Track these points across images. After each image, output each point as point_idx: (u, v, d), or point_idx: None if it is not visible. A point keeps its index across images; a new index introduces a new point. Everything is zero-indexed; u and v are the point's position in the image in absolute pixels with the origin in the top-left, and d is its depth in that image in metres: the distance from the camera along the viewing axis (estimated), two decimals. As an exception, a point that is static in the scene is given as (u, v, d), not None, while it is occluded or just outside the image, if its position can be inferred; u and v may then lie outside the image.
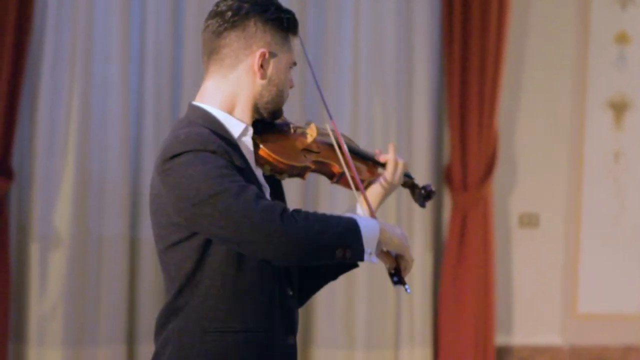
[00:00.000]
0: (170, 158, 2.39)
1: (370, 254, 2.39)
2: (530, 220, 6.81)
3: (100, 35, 6.03)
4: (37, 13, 5.95)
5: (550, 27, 6.79)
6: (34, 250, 5.98)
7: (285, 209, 2.34)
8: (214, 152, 2.40)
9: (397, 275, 2.46)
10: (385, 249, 2.45)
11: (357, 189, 2.66)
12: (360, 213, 2.76)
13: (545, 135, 6.80)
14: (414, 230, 6.39)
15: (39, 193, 5.97)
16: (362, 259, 2.38)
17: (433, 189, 2.98)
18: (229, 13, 2.50)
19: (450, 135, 6.50)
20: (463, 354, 6.46)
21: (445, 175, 6.50)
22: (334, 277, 2.75)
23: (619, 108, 6.85)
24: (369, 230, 2.39)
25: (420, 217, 6.38)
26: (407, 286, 2.47)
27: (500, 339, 6.68)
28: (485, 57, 6.42)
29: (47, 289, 5.99)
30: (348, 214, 2.45)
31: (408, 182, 2.96)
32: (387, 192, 2.85)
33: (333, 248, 2.35)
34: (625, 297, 6.91)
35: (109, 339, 6.02)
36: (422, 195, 2.96)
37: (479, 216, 6.47)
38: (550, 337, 6.83)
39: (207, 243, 2.41)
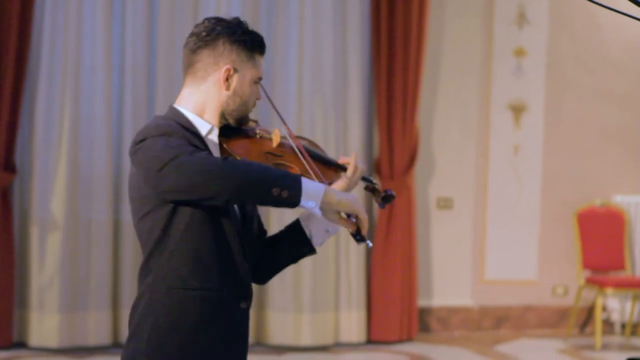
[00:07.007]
0: (139, 142, 2.54)
1: (314, 207, 2.45)
2: (445, 204, 7.30)
3: (87, 50, 6.40)
4: (35, 30, 6.33)
5: (461, 44, 7.26)
6: (34, 232, 6.37)
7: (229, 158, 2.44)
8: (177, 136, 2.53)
9: (359, 234, 2.47)
10: (338, 210, 2.50)
11: None
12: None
13: (457, 132, 7.29)
14: (350, 212, 6.92)
15: (37, 184, 6.37)
16: (298, 202, 2.43)
17: (393, 193, 2.92)
18: (203, 33, 2.65)
19: (379, 134, 6.94)
20: (392, 315, 6.91)
21: (375, 166, 6.95)
22: (294, 260, 2.87)
23: (517, 110, 7.38)
24: (313, 187, 2.46)
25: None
26: (368, 241, 2.48)
27: (422, 302, 7.21)
28: (407, 69, 6.82)
29: (45, 264, 6.36)
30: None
31: (369, 186, 2.94)
32: (346, 190, 2.78)
33: (269, 186, 2.41)
34: (523, 266, 7.45)
35: (97, 305, 6.41)
36: (382, 198, 2.90)
37: (403, 200, 6.90)
38: (462, 299, 7.35)
39: (173, 212, 2.55)
